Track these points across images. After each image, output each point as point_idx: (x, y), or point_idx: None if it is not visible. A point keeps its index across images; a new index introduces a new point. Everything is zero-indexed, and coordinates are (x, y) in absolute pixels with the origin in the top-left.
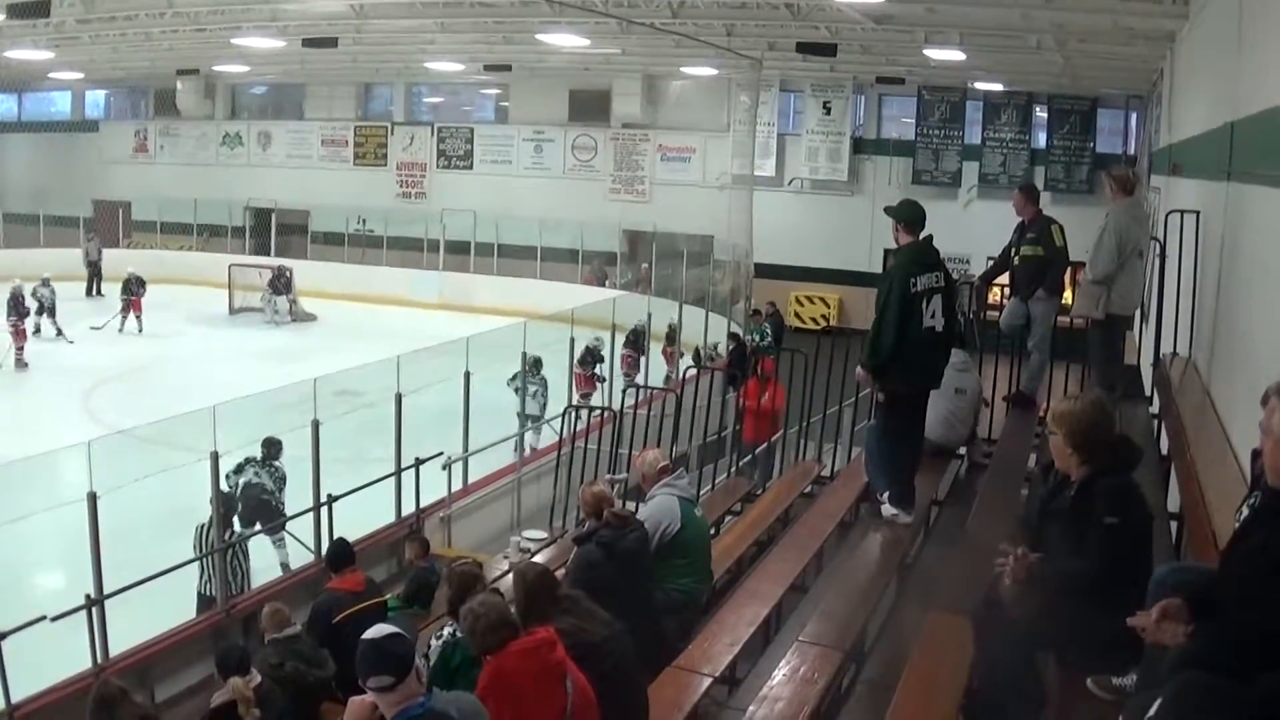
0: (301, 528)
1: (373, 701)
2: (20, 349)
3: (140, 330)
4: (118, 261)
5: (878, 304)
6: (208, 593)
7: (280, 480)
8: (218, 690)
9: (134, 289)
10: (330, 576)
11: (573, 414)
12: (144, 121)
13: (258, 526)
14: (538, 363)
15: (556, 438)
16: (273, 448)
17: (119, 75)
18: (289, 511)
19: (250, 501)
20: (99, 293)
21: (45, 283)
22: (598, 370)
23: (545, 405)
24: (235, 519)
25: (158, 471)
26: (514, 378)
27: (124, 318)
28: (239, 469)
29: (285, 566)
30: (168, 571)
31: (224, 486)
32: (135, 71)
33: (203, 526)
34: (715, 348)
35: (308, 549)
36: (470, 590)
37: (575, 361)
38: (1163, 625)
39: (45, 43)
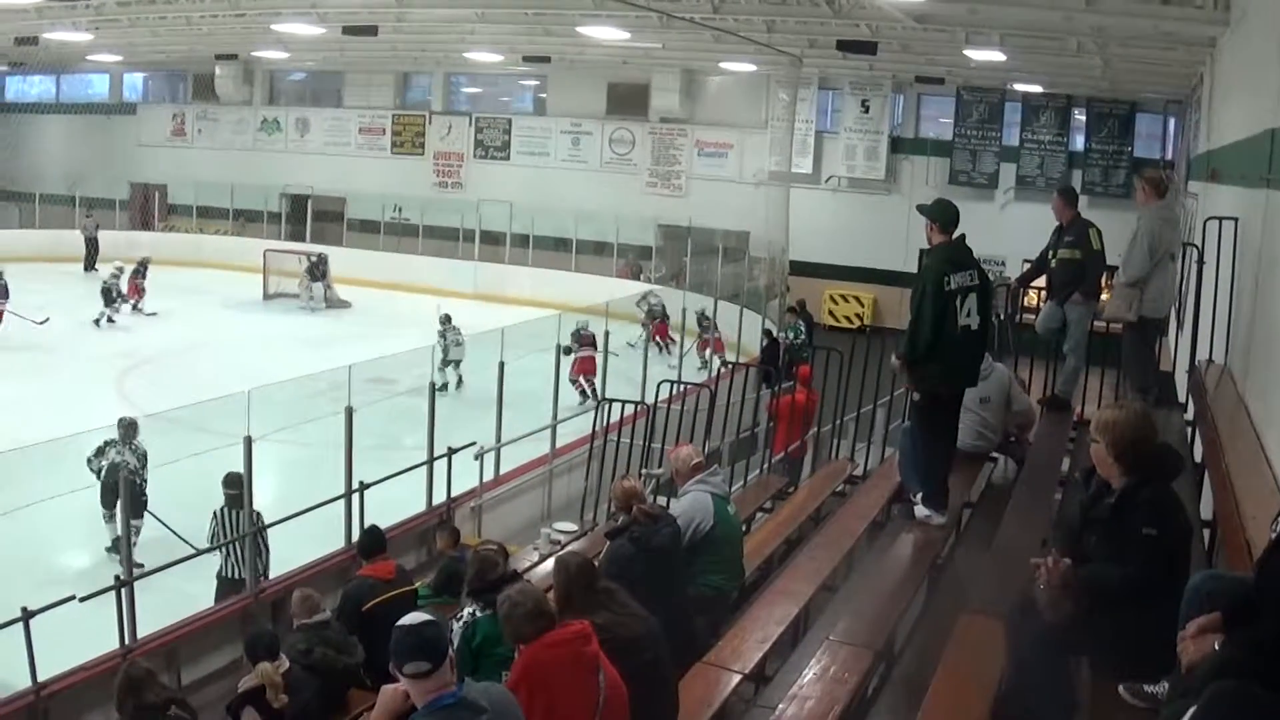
0: (332, 514)
1: (405, 690)
2: None
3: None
4: (151, 245)
5: (912, 304)
6: (231, 575)
7: (142, 458)
8: (244, 674)
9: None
10: (361, 564)
11: (607, 407)
12: (182, 105)
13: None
14: (448, 317)
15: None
16: (130, 428)
17: (158, 59)
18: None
19: (113, 481)
20: (94, 268)
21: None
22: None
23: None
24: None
25: (189, 455)
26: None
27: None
28: (100, 451)
29: (115, 544)
30: (200, 554)
31: (88, 469)
32: (174, 55)
33: (219, 511)
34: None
35: (172, 530)
36: (489, 573)
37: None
38: (1202, 639)
39: (85, 25)
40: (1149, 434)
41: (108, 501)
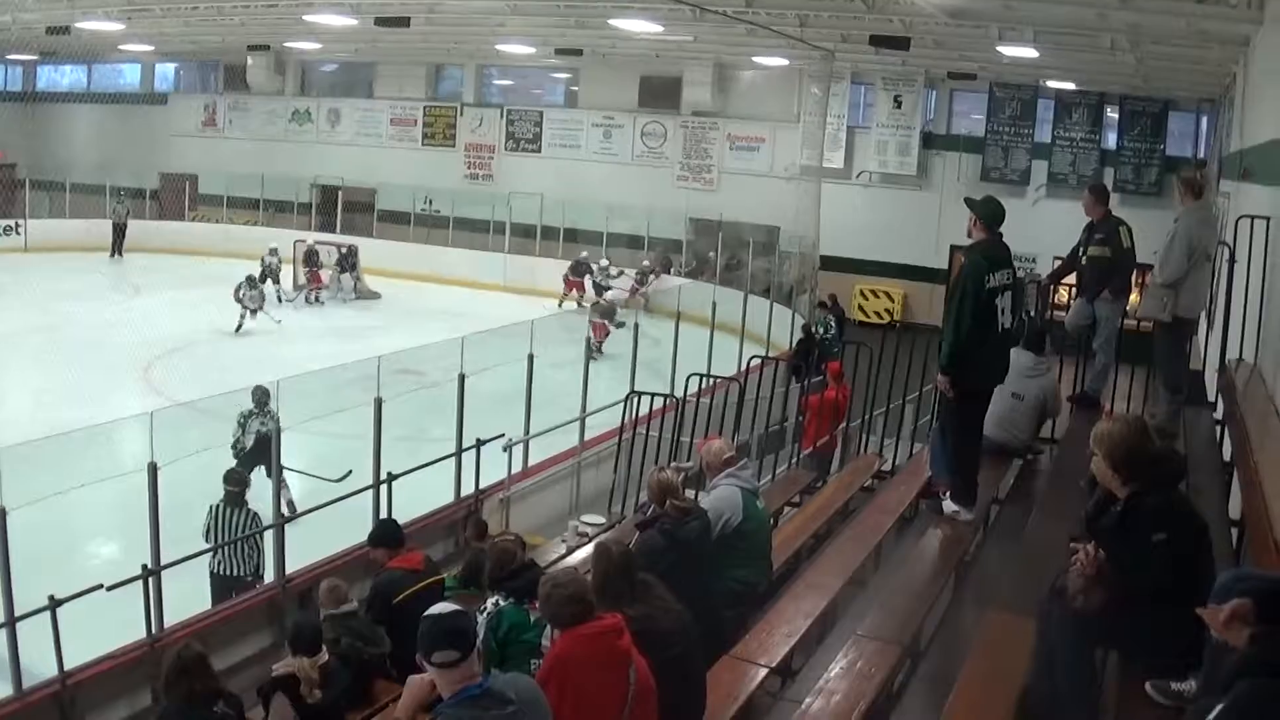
0: (361, 505)
1: (431, 680)
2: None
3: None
4: (179, 234)
5: (949, 305)
6: (221, 571)
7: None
8: (272, 662)
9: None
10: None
11: (635, 400)
12: (213, 95)
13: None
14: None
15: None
16: (264, 395)
17: (189, 49)
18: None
19: (261, 448)
20: (120, 254)
21: (273, 252)
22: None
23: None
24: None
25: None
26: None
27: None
28: (242, 427)
29: (291, 505)
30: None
31: (232, 436)
32: (206, 45)
33: (215, 506)
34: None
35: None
36: (508, 563)
37: (569, 270)
38: (1231, 624)
39: (117, 14)
40: (1144, 443)
41: (248, 464)
